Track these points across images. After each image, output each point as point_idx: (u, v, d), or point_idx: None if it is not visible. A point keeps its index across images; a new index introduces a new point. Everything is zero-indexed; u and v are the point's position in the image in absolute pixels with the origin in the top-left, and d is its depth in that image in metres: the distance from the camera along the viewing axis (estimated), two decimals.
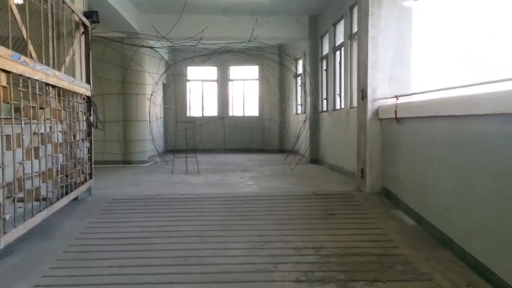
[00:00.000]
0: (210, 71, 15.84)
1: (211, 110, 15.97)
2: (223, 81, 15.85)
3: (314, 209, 5.50)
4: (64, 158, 4.80)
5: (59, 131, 4.65)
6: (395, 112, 5.37)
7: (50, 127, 4.38)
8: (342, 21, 8.80)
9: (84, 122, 5.87)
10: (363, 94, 6.40)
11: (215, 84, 15.93)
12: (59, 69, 4.91)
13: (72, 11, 5.28)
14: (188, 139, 15.00)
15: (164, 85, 14.64)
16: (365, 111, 6.29)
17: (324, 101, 10.61)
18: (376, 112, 6.19)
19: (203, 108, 15.95)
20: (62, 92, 4.71)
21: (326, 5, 9.86)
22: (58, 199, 4.47)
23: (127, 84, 10.75)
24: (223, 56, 12.56)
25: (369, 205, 5.65)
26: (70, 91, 5.07)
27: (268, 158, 12.55)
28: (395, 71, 6.18)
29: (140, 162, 10.88)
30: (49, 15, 4.42)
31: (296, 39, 12.03)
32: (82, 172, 5.70)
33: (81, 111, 5.63)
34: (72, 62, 5.32)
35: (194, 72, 15.73)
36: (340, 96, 9.14)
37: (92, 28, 6.22)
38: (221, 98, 15.83)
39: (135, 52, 10.16)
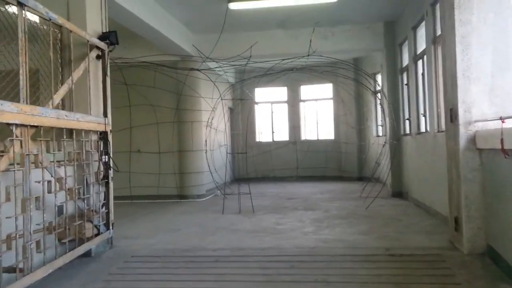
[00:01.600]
0: (280, 92, 14.64)
1: (282, 134, 14.69)
2: (294, 102, 14.55)
3: (383, 280, 3.88)
4: (46, 214, 3.78)
5: (37, 182, 3.65)
6: (502, 140, 3.67)
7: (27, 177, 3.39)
8: (423, 24, 7.09)
9: (96, 163, 4.90)
10: (452, 115, 4.71)
11: (285, 106, 14.68)
12: (50, 102, 3.98)
13: (71, 31, 4.35)
14: (256, 167, 13.91)
15: (230, 109, 13.76)
16: (456, 137, 4.59)
17: (406, 122, 8.80)
18: (473, 140, 4.46)
19: (273, 132, 14.74)
20: (43, 131, 3.74)
21: (404, 7, 8.18)
22: (30, 271, 3.43)
23: (181, 111, 9.90)
24: (292, 75, 11.20)
25: (466, 275, 3.90)
26: (64, 128, 4.11)
27: (343, 189, 10.90)
28: (498, 82, 4.46)
29: (197, 196, 9.85)
30: (20, 34, 3.48)
31: (369, 50, 10.42)
32: (91, 222, 4.69)
33: (88, 150, 4.66)
34: (70, 92, 4.36)
35: (262, 94, 14.64)
36: (424, 116, 7.34)
37: (110, 51, 5.30)
38: (293, 121, 14.51)
39: (187, 76, 9.24)
